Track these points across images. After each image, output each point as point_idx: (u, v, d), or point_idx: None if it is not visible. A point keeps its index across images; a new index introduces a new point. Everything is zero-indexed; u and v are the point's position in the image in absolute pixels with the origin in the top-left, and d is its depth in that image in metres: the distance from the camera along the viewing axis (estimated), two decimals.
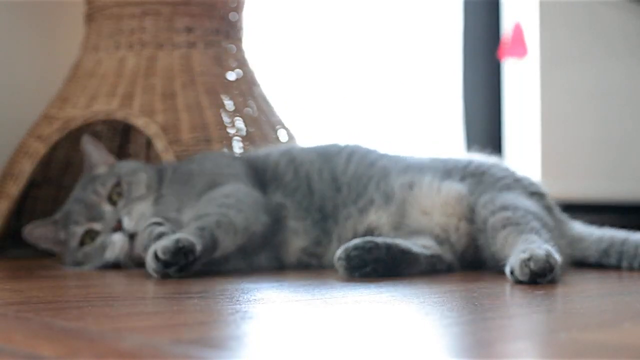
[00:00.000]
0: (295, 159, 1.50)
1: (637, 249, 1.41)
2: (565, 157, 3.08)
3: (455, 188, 1.42)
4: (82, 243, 1.42)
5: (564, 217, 1.49)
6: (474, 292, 1.10)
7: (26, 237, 1.49)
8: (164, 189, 1.44)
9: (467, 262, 1.40)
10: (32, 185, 1.78)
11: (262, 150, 1.59)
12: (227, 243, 1.30)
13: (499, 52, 2.96)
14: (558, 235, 1.37)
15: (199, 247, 1.22)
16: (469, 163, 1.48)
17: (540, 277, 1.13)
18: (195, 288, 1.13)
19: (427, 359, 0.62)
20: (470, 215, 1.39)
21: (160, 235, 1.25)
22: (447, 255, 1.38)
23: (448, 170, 1.46)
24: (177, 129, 1.66)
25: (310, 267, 1.43)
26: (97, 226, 1.42)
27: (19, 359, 0.61)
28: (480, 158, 1.52)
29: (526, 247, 1.17)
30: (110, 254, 1.39)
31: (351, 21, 2.72)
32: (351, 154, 1.50)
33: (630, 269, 1.41)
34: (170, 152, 1.62)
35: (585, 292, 1.12)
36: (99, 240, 1.41)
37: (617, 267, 1.42)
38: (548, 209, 1.42)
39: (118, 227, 1.39)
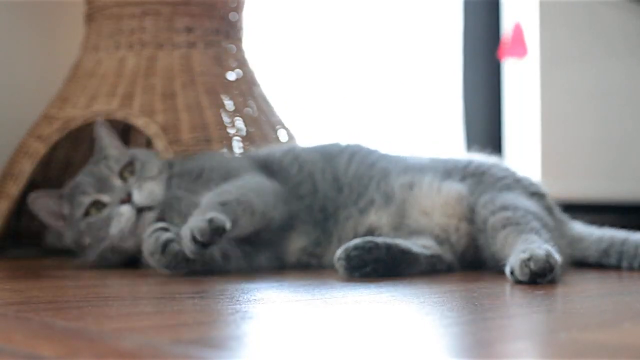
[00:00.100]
0: (298, 157, 1.51)
1: (637, 249, 1.41)
2: (565, 157, 3.08)
3: (455, 188, 1.42)
4: (87, 213, 1.41)
5: (564, 217, 1.49)
6: (474, 292, 1.10)
7: (29, 205, 1.47)
8: (174, 177, 1.44)
9: (467, 262, 1.40)
10: (32, 185, 1.78)
11: (264, 150, 1.59)
12: (245, 223, 1.30)
13: (499, 52, 2.96)
14: (558, 235, 1.37)
15: (228, 224, 1.23)
16: (469, 163, 1.48)
17: (540, 277, 1.13)
18: (195, 288, 1.13)
19: (427, 359, 0.62)
20: (471, 216, 1.39)
21: (167, 243, 1.25)
22: (447, 255, 1.38)
23: (448, 171, 1.46)
24: (177, 129, 1.66)
25: (310, 267, 1.43)
26: (105, 198, 1.41)
27: (19, 359, 0.61)
28: (481, 158, 1.52)
29: (526, 247, 1.17)
30: (116, 227, 1.38)
31: (351, 21, 2.72)
32: (353, 154, 1.50)
33: (630, 269, 1.41)
34: (170, 152, 1.62)
35: (585, 292, 1.12)
36: (105, 211, 1.40)
37: (617, 267, 1.43)
38: (548, 209, 1.43)
39: (127, 200, 1.39)
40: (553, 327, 0.80)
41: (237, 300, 0.96)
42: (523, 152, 2.99)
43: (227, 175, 1.42)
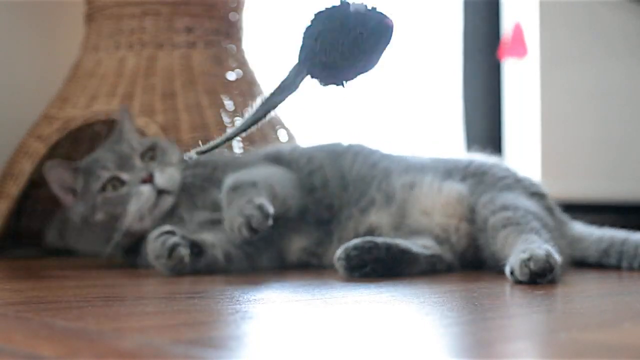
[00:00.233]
0: (305, 152, 1.51)
1: (637, 249, 1.41)
2: (565, 157, 3.08)
3: (455, 188, 1.42)
4: (103, 188, 1.41)
5: (564, 217, 1.49)
6: (474, 292, 1.10)
7: (44, 173, 1.46)
8: (189, 169, 1.45)
9: (467, 262, 1.40)
10: (32, 185, 1.78)
11: (268, 148, 1.60)
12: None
13: (499, 52, 2.96)
14: (558, 235, 1.37)
15: (272, 209, 1.25)
16: (470, 163, 1.48)
17: (540, 277, 1.13)
18: (195, 288, 1.13)
19: (427, 359, 0.62)
20: (471, 216, 1.39)
21: (174, 246, 1.25)
22: (447, 255, 1.38)
23: (449, 171, 1.46)
24: (177, 129, 1.66)
25: (310, 266, 1.43)
26: (124, 176, 1.41)
27: (19, 359, 0.61)
28: (481, 158, 1.52)
29: (526, 247, 1.17)
30: (135, 205, 1.38)
31: None
32: (356, 154, 1.51)
33: (630, 269, 1.41)
34: None
35: (585, 292, 1.12)
36: (124, 189, 1.40)
37: (617, 267, 1.42)
38: (549, 209, 1.42)
39: (148, 180, 1.39)
40: (553, 327, 0.80)
41: (237, 300, 0.96)
42: (523, 152, 2.99)
43: (241, 168, 1.43)
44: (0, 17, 1.96)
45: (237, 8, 1.86)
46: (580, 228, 1.50)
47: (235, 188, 1.32)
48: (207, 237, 1.33)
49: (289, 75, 0.90)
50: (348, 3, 0.88)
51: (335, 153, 1.51)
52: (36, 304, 0.92)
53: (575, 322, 0.81)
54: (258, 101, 0.92)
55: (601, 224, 1.52)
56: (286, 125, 1.86)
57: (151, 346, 0.65)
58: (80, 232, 1.46)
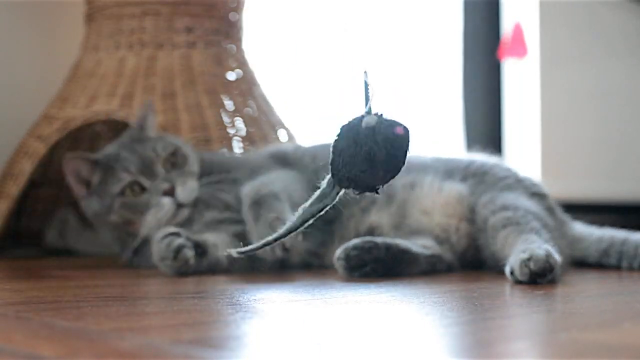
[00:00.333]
0: (309, 150, 1.51)
1: (637, 249, 1.41)
2: (565, 157, 3.08)
3: (456, 188, 1.42)
4: (122, 192, 1.40)
5: (565, 217, 1.49)
6: (474, 292, 1.10)
7: (63, 164, 1.45)
8: (203, 175, 1.45)
9: (467, 262, 1.40)
10: (32, 185, 1.78)
11: (270, 148, 1.60)
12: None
13: (499, 52, 2.96)
14: (559, 235, 1.37)
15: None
16: (471, 163, 1.48)
17: (540, 277, 1.13)
18: (195, 288, 1.13)
19: (427, 359, 0.62)
20: (471, 216, 1.39)
21: (180, 248, 1.25)
22: (447, 255, 1.38)
23: (450, 170, 1.46)
24: (177, 129, 1.66)
25: (311, 266, 1.43)
26: (145, 182, 1.40)
27: (19, 359, 0.61)
28: (482, 158, 1.51)
29: (526, 247, 1.17)
30: (154, 217, 1.38)
31: (351, 21, 2.72)
32: None
33: (630, 269, 1.41)
34: None
35: (585, 292, 1.12)
36: (144, 196, 1.39)
37: (617, 267, 1.43)
38: (549, 209, 1.42)
39: (170, 192, 1.39)
40: (553, 327, 0.80)
41: (237, 300, 0.96)
42: (523, 152, 2.99)
43: (253, 172, 1.44)
44: (0, 17, 1.96)
45: (237, 8, 1.86)
46: (580, 228, 1.50)
47: (259, 202, 1.32)
48: (210, 237, 1.33)
49: (325, 188, 0.94)
50: (362, 117, 0.92)
51: None
52: (36, 304, 0.92)
53: (575, 322, 0.81)
54: (299, 211, 0.95)
55: (601, 224, 1.52)
56: (286, 125, 1.86)
57: (151, 346, 0.65)
58: (95, 224, 1.45)
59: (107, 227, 1.43)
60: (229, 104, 1.76)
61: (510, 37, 2.94)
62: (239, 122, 1.75)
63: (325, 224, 1.43)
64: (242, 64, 1.85)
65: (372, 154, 0.91)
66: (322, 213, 0.95)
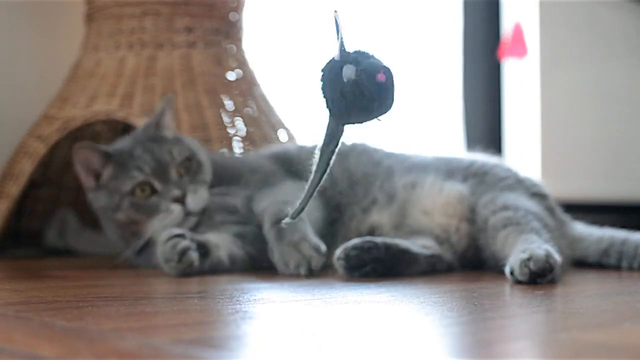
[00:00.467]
0: (312, 152, 1.51)
1: (637, 249, 1.41)
2: (565, 157, 3.08)
3: (456, 188, 1.42)
4: (132, 191, 1.39)
5: (565, 217, 1.49)
6: (474, 292, 1.10)
7: (73, 153, 1.43)
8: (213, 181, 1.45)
9: (467, 262, 1.40)
10: (32, 185, 1.78)
11: (273, 148, 1.59)
12: None
13: (499, 52, 2.96)
14: (559, 235, 1.37)
15: (324, 249, 1.28)
16: (472, 163, 1.47)
17: (539, 277, 1.13)
18: (195, 288, 1.13)
19: (427, 359, 0.62)
20: (471, 216, 1.39)
21: (185, 250, 1.25)
22: (447, 255, 1.38)
23: (450, 170, 1.45)
24: (177, 129, 1.66)
25: None
26: (157, 185, 1.39)
27: (19, 359, 0.61)
28: (483, 158, 1.51)
29: (526, 247, 1.17)
30: (161, 222, 1.37)
31: (351, 20, 2.72)
32: (360, 153, 1.51)
33: (630, 269, 1.41)
34: None
35: (585, 292, 1.12)
36: (154, 199, 1.38)
37: (617, 267, 1.42)
38: (550, 209, 1.42)
39: (180, 200, 1.38)
40: (553, 327, 0.80)
41: (237, 300, 0.96)
42: (523, 152, 2.99)
43: (264, 180, 1.44)
44: (0, 17, 1.96)
45: (237, 8, 1.86)
46: (580, 228, 1.50)
47: (280, 221, 1.31)
48: (212, 237, 1.33)
49: (330, 125, 0.95)
50: (340, 61, 0.92)
51: (340, 152, 1.51)
52: (36, 304, 0.92)
53: (575, 322, 0.81)
54: (317, 153, 0.97)
55: (601, 224, 1.52)
56: (286, 125, 1.85)
57: (151, 346, 0.65)
58: (101, 218, 1.45)
59: (112, 224, 1.43)
60: (229, 104, 1.76)
61: (510, 37, 2.93)
62: (239, 122, 1.75)
63: (327, 224, 1.43)
64: (242, 64, 1.85)
65: (360, 104, 0.91)
66: (338, 147, 0.97)
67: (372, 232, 1.41)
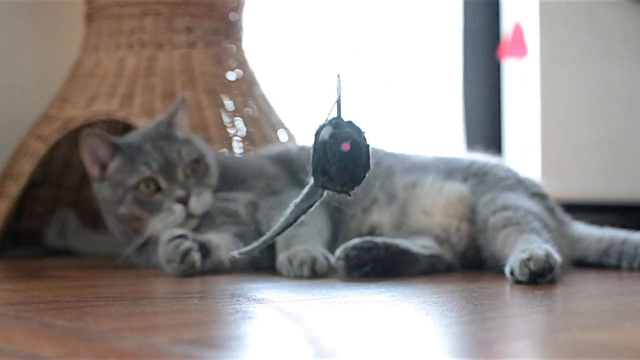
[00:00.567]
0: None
1: (637, 249, 1.41)
2: (565, 157, 3.08)
3: (457, 189, 1.42)
4: (136, 186, 1.38)
5: (565, 217, 1.49)
6: (474, 292, 1.10)
7: (80, 140, 1.43)
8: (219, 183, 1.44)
9: (467, 262, 1.40)
10: (32, 185, 1.78)
11: (274, 149, 1.59)
12: None
13: (499, 52, 2.96)
14: (559, 235, 1.37)
15: (332, 258, 1.28)
16: (472, 163, 1.47)
17: (539, 277, 1.13)
18: (195, 288, 1.13)
19: (427, 359, 0.62)
20: (472, 216, 1.39)
21: (187, 251, 1.25)
22: (447, 255, 1.38)
23: (451, 170, 1.45)
24: None
25: None
26: (162, 182, 1.38)
27: (19, 359, 0.61)
28: (483, 158, 1.51)
29: (526, 247, 1.17)
30: (162, 221, 1.37)
31: (351, 21, 2.72)
32: None
33: (630, 269, 1.41)
34: None
35: (585, 292, 1.12)
36: (158, 197, 1.38)
37: (617, 267, 1.43)
38: (550, 209, 1.42)
39: (183, 200, 1.37)
40: (553, 327, 0.80)
41: (237, 300, 0.96)
42: (523, 152, 2.99)
43: (268, 186, 1.43)
44: (0, 17, 1.96)
45: (237, 8, 1.86)
46: (580, 228, 1.50)
47: (289, 235, 1.31)
48: (213, 237, 1.33)
49: (312, 185, 0.98)
50: (326, 124, 0.95)
51: None
52: (36, 304, 0.92)
53: (575, 322, 0.81)
54: (291, 206, 1.00)
55: (601, 224, 1.52)
56: (286, 125, 1.85)
57: (151, 346, 0.65)
58: (103, 209, 1.45)
59: (114, 218, 1.42)
60: (229, 104, 1.76)
61: (510, 37, 2.94)
62: (239, 122, 1.75)
63: (332, 222, 1.43)
64: (242, 64, 1.85)
65: (325, 167, 0.94)
66: (312, 209, 0.99)
67: (372, 232, 1.41)
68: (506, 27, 2.99)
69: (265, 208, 1.39)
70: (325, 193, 0.97)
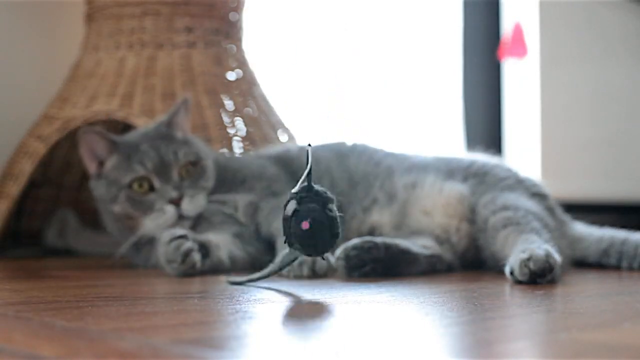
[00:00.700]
0: (313, 153, 1.51)
1: (637, 249, 1.41)
2: (565, 157, 3.08)
3: (457, 189, 1.42)
4: (130, 185, 1.39)
5: (565, 217, 1.49)
6: (474, 292, 1.10)
7: (79, 135, 1.43)
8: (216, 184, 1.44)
9: (467, 262, 1.40)
10: (32, 185, 1.78)
11: (275, 149, 1.59)
12: None
13: (499, 52, 2.96)
14: (559, 235, 1.37)
15: (333, 262, 1.28)
16: (472, 163, 1.47)
17: (539, 277, 1.13)
18: (195, 288, 1.13)
19: (427, 359, 0.62)
20: (472, 216, 1.39)
21: (188, 252, 1.25)
22: (447, 255, 1.38)
23: (451, 170, 1.45)
24: None
25: None
26: (156, 182, 1.38)
27: (19, 359, 0.61)
28: (484, 158, 1.51)
29: (526, 247, 1.17)
30: (154, 221, 1.37)
31: (352, 21, 2.72)
32: (361, 153, 1.51)
33: (630, 269, 1.41)
34: None
35: (585, 292, 1.12)
36: (151, 196, 1.38)
37: (617, 267, 1.43)
38: (550, 210, 1.42)
39: (176, 202, 1.37)
40: (553, 327, 0.80)
41: (237, 300, 0.96)
42: (523, 152, 2.99)
43: (269, 187, 1.43)
44: (0, 17, 1.96)
45: (237, 8, 1.86)
46: (580, 228, 1.50)
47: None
48: (212, 237, 1.33)
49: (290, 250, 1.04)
50: (289, 199, 1.00)
51: (340, 153, 1.51)
52: (36, 304, 0.92)
53: (575, 322, 0.81)
54: (279, 257, 1.08)
55: (601, 224, 1.52)
56: (286, 125, 1.86)
57: (151, 346, 0.65)
58: (100, 207, 1.45)
59: (109, 215, 1.43)
60: (229, 104, 1.76)
61: (510, 37, 2.94)
62: (239, 122, 1.75)
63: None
64: (242, 64, 1.85)
65: (291, 240, 1.00)
66: (296, 261, 1.11)
67: (372, 232, 1.41)
68: (506, 27, 2.99)
69: (266, 209, 1.39)
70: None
